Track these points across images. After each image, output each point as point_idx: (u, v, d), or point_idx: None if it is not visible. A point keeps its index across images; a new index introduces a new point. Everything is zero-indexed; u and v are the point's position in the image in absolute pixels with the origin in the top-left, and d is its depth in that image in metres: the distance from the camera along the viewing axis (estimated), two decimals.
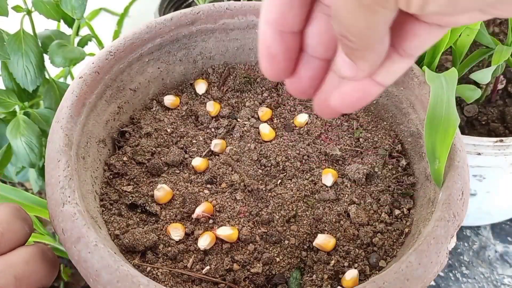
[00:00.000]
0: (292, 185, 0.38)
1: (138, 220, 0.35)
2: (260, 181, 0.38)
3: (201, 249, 0.34)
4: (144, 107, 0.43)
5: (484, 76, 0.43)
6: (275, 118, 0.43)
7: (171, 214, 0.36)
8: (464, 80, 0.48)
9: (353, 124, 0.42)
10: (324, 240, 0.34)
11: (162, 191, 0.36)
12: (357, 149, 0.40)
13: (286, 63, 0.25)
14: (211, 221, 0.35)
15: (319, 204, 0.37)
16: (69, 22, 0.55)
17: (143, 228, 0.34)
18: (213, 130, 0.42)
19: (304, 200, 0.37)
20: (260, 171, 0.39)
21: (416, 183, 0.39)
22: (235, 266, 0.33)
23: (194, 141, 0.41)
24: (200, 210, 0.35)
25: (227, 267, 0.33)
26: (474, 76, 0.44)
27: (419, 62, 0.41)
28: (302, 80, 0.26)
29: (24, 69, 0.50)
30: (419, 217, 0.36)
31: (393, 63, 0.24)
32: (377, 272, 0.33)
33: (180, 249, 0.34)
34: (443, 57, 0.55)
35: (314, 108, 0.27)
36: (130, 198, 0.37)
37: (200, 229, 0.35)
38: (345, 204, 0.37)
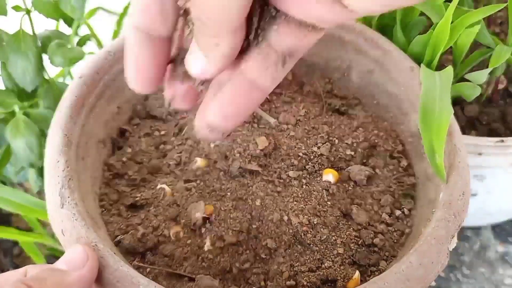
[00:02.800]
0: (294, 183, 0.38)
1: (138, 220, 0.35)
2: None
3: (203, 250, 0.34)
4: (144, 107, 0.43)
5: (480, 76, 0.43)
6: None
7: (172, 214, 0.36)
8: (464, 80, 0.48)
9: (353, 124, 0.42)
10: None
11: (162, 192, 0.36)
12: (357, 149, 0.40)
13: (154, 73, 0.24)
14: (211, 222, 0.35)
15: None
16: (69, 22, 0.55)
17: (143, 228, 0.34)
18: None
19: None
20: (262, 162, 0.38)
21: (417, 184, 0.39)
22: (234, 268, 0.33)
23: (194, 141, 0.41)
24: (200, 215, 0.35)
25: (227, 268, 0.33)
26: (470, 76, 0.44)
27: (419, 61, 0.41)
28: (176, 90, 0.24)
29: (23, 69, 0.49)
30: (420, 218, 0.36)
31: (267, 60, 0.22)
32: (378, 272, 0.33)
33: (180, 250, 0.34)
34: (444, 57, 0.55)
35: (197, 132, 0.25)
36: (130, 198, 0.36)
37: (200, 229, 0.35)
38: (346, 204, 0.37)
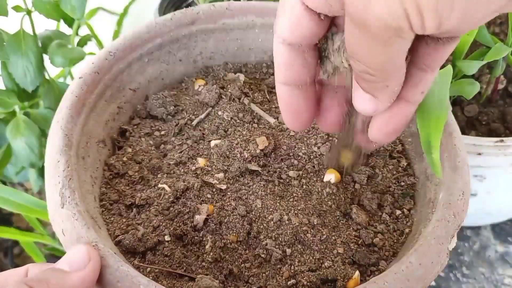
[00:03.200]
0: (296, 183, 0.38)
1: (138, 220, 0.35)
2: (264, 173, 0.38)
3: (203, 249, 0.34)
4: (144, 107, 0.43)
5: (472, 66, 0.43)
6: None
7: (172, 214, 0.36)
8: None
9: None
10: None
11: (162, 192, 0.36)
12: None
13: (308, 114, 0.28)
14: (211, 222, 0.35)
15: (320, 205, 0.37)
16: (69, 22, 0.55)
17: (143, 228, 0.34)
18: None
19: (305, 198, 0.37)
20: (262, 162, 0.39)
21: (417, 184, 0.39)
22: (235, 270, 0.33)
23: (194, 141, 0.41)
24: (201, 217, 0.35)
25: (227, 268, 0.33)
26: (462, 64, 0.44)
27: None
28: (327, 119, 0.29)
29: (24, 69, 0.50)
30: (419, 218, 0.36)
31: (415, 79, 0.25)
32: (378, 272, 0.33)
33: (181, 250, 0.34)
34: None
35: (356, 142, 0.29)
36: (130, 198, 0.36)
37: (201, 229, 0.35)
38: (346, 204, 0.37)
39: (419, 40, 0.23)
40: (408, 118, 0.27)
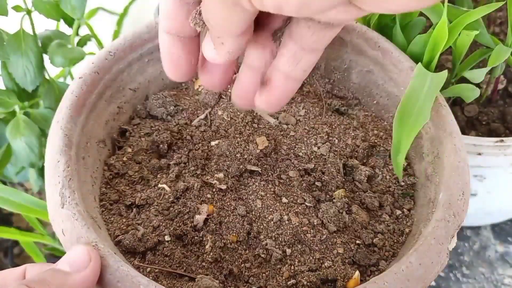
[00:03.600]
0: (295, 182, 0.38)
1: (138, 220, 0.35)
2: (264, 171, 0.38)
3: (203, 249, 0.34)
4: (144, 107, 0.43)
5: (478, 75, 0.43)
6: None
7: (172, 214, 0.36)
8: (464, 80, 0.48)
9: (353, 124, 0.42)
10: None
11: (162, 191, 0.36)
12: (357, 149, 0.40)
13: (188, 66, 0.28)
14: (211, 222, 0.35)
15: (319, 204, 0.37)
16: (69, 22, 0.55)
17: (143, 228, 0.34)
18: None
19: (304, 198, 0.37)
20: (262, 162, 0.39)
21: (417, 184, 0.39)
22: (235, 270, 0.33)
23: (194, 141, 0.41)
24: (201, 217, 0.35)
25: (228, 268, 0.33)
26: (468, 74, 0.44)
27: (419, 62, 0.41)
28: (213, 75, 0.29)
29: (23, 69, 0.50)
30: (419, 218, 0.36)
31: (297, 56, 0.27)
32: (378, 272, 0.33)
33: (181, 249, 0.34)
34: (443, 57, 0.55)
35: (232, 98, 0.30)
36: (130, 198, 0.36)
37: (201, 230, 0.35)
38: (346, 204, 0.37)
39: (301, 21, 0.25)
40: (289, 92, 0.29)
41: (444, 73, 0.38)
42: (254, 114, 0.42)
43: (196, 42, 0.28)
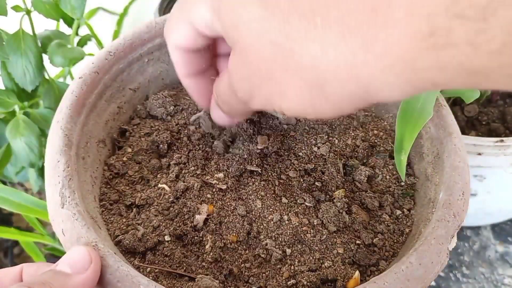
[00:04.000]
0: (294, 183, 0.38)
1: (138, 220, 0.35)
2: (264, 171, 0.38)
3: (203, 249, 0.34)
4: (144, 107, 0.43)
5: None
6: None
7: (172, 214, 0.36)
8: None
9: (353, 124, 0.42)
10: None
11: (162, 191, 0.36)
12: (357, 149, 0.40)
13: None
14: (211, 222, 0.35)
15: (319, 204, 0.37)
16: (69, 22, 0.55)
17: (143, 228, 0.34)
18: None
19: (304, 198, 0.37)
20: (262, 162, 0.38)
21: (417, 183, 0.39)
22: (235, 270, 0.33)
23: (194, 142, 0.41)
24: (201, 217, 0.35)
25: (228, 268, 0.33)
26: None
27: None
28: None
29: (23, 69, 0.50)
30: (419, 217, 0.36)
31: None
32: (378, 272, 0.33)
33: (181, 250, 0.34)
34: None
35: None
36: (130, 198, 0.36)
37: (201, 230, 0.35)
38: (346, 204, 0.37)
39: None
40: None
41: None
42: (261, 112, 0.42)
43: (211, 71, 0.34)
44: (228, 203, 0.36)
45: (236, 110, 0.31)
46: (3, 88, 0.53)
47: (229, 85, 0.29)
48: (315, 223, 0.35)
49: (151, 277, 0.32)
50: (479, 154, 0.48)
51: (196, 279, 0.32)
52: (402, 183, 0.39)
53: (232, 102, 0.29)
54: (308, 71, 0.23)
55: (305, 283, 0.32)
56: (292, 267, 0.34)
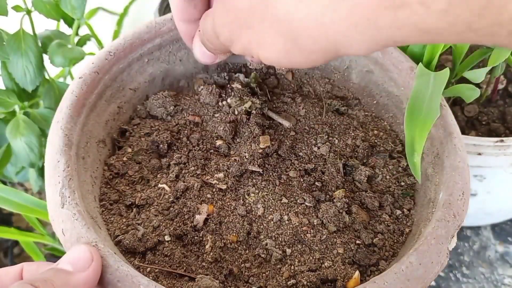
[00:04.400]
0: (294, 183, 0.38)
1: (138, 220, 0.35)
2: (265, 172, 0.38)
3: (203, 249, 0.34)
4: (144, 107, 0.43)
5: (478, 75, 0.43)
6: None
7: (172, 214, 0.36)
8: (464, 80, 0.48)
9: (353, 124, 0.42)
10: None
11: (162, 191, 0.36)
12: (357, 149, 0.40)
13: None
14: (211, 222, 0.35)
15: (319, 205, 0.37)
16: (69, 22, 0.55)
17: (143, 228, 0.34)
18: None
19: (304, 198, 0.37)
20: (263, 162, 0.38)
21: (417, 184, 0.39)
22: (235, 270, 0.33)
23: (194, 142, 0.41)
24: (201, 217, 0.35)
25: (228, 268, 0.33)
26: (468, 74, 0.44)
27: (419, 61, 0.41)
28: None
29: (23, 69, 0.50)
30: (419, 217, 0.36)
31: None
32: (378, 272, 0.33)
33: (181, 250, 0.34)
34: (443, 57, 0.55)
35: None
36: (130, 198, 0.36)
37: (201, 230, 0.35)
38: (346, 204, 0.37)
39: None
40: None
41: (446, 71, 0.38)
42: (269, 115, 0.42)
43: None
44: (228, 203, 0.36)
45: (219, 50, 0.33)
46: (4, 88, 0.53)
47: (212, 26, 0.30)
48: (315, 223, 0.35)
49: (151, 277, 0.32)
50: (479, 154, 0.48)
51: (196, 279, 0.32)
52: (402, 183, 0.39)
53: (215, 42, 0.31)
54: (283, 24, 0.25)
55: (305, 283, 0.32)
56: (292, 267, 0.34)
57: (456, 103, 0.54)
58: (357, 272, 0.33)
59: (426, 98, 0.36)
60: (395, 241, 0.35)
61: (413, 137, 0.36)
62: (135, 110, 0.43)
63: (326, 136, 0.41)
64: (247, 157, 0.38)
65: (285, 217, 0.36)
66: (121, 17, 0.73)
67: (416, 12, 0.21)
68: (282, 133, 0.41)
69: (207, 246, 0.34)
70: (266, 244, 0.34)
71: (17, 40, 0.49)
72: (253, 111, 0.41)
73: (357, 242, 0.35)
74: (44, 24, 0.56)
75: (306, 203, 0.37)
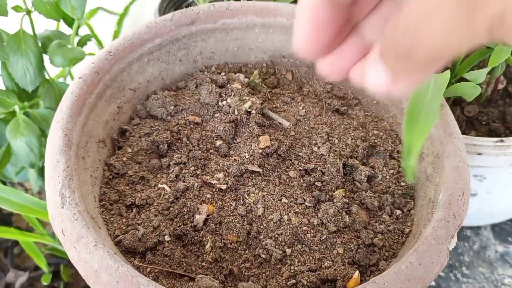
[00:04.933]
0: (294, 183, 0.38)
1: (138, 220, 0.35)
2: (266, 170, 0.38)
3: (203, 250, 0.34)
4: (144, 107, 0.43)
5: (478, 76, 0.43)
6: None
7: (172, 214, 0.36)
8: (464, 80, 0.48)
9: (353, 124, 0.42)
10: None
11: (162, 192, 0.36)
12: (357, 149, 0.40)
13: (329, 37, 0.23)
14: (211, 222, 0.35)
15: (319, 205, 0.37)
16: (69, 22, 0.55)
17: (143, 228, 0.34)
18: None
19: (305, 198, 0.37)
20: (263, 162, 0.38)
21: (417, 184, 0.39)
22: (235, 270, 0.33)
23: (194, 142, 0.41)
24: (201, 217, 0.35)
25: (228, 268, 0.33)
26: (468, 75, 0.44)
27: None
28: (344, 60, 0.25)
29: (23, 69, 0.50)
30: (419, 218, 0.36)
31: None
32: (378, 272, 0.33)
33: (181, 250, 0.34)
34: None
35: (325, 72, 0.26)
36: (130, 198, 0.36)
37: (201, 230, 0.35)
38: (346, 204, 0.37)
39: None
40: None
41: (447, 73, 0.38)
42: (268, 116, 0.42)
43: (346, 14, 0.23)
44: (228, 203, 0.36)
45: (413, 68, 0.21)
46: (4, 88, 0.53)
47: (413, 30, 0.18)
48: (315, 223, 0.35)
49: (151, 277, 0.32)
50: (479, 154, 0.48)
51: (196, 279, 0.32)
52: (402, 183, 0.39)
53: (416, 55, 0.19)
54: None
55: (305, 283, 0.32)
56: (292, 267, 0.34)
57: (456, 103, 0.54)
58: (357, 272, 0.33)
59: (427, 100, 0.36)
60: (395, 241, 0.35)
61: (411, 141, 0.36)
62: (135, 110, 0.43)
63: (326, 136, 0.41)
64: (247, 157, 0.38)
65: (285, 217, 0.35)
66: (121, 17, 0.73)
67: None
68: (282, 133, 0.41)
69: (207, 246, 0.34)
70: (266, 244, 0.34)
71: (17, 40, 0.49)
72: (253, 111, 0.41)
73: (357, 242, 0.35)
74: (44, 24, 0.56)
75: (306, 203, 0.37)
